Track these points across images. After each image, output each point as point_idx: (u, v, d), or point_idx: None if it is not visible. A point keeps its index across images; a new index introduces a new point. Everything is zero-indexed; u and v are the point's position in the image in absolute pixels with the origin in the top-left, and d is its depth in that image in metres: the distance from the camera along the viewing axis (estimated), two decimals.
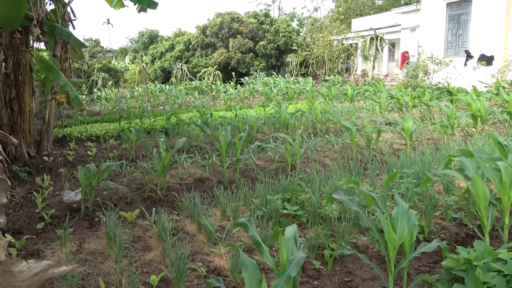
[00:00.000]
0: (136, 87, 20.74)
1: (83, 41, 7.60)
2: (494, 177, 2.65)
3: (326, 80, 21.75)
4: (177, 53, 31.19)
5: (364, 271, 2.98)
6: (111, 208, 3.88)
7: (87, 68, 20.94)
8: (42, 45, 7.53)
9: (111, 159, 6.19)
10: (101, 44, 36.95)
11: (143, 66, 19.97)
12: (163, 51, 32.47)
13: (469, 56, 17.01)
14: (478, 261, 2.17)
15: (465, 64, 16.90)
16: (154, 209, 3.79)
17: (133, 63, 30.12)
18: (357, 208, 2.33)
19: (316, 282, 2.80)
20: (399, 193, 3.89)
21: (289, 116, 8.32)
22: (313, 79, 24.01)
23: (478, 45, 16.65)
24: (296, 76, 26.59)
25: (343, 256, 3.09)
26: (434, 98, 10.68)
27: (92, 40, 34.23)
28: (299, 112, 9.14)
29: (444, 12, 18.16)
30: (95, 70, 21.27)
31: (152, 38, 38.26)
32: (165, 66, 30.63)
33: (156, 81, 26.12)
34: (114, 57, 36.22)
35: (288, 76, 25.86)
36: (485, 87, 12.70)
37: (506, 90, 10.88)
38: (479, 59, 16.27)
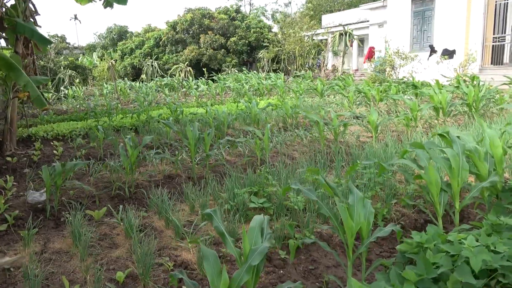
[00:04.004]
0: (105, 84, 20.23)
1: (48, 37, 7.33)
2: (444, 165, 2.82)
3: (297, 76, 21.96)
4: (147, 50, 30.60)
5: (328, 259, 3.09)
6: (78, 207, 3.83)
7: (53, 65, 20.23)
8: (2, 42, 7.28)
9: (78, 158, 6.07)
10: (67, 41, 35.85)
11: (111, 62, 19.48)
12: (133, 47, 31.77)
13: (433, 50, 17.63)
14: (429, 243, 2.31)
15: (428, 59, 17.50)
16: (121, 206, 3.77)
17: (101, 59, 29.35)
18: (315, 197, 2.42)
19: (281, 271, 2.88)
20: (362, 183, 4.04)
21: (260, 111, 8.38)
22: (284, 74, 24.18)
23: (442, 40, 17.29)
24: (268, 72, 26.69)
25: (308, 245, 3.19)
26: (400, 92, 11.03)
27: (57, 36, 33.14)
28: (270, 107, 9.22)
29: (409, 8, 18.73)
30: (62, 67, 20.59)
31: (121, 34, 37.43)
32: (134, 63, 30.01)
33: (126, 78, 25.57)
34: (82, 54, 35.19)
35: (260, 72, 25.92)
36: (447, 80, 13.21)
37: (467, 83, 11.35)
38: (442, 54, 16.90)
